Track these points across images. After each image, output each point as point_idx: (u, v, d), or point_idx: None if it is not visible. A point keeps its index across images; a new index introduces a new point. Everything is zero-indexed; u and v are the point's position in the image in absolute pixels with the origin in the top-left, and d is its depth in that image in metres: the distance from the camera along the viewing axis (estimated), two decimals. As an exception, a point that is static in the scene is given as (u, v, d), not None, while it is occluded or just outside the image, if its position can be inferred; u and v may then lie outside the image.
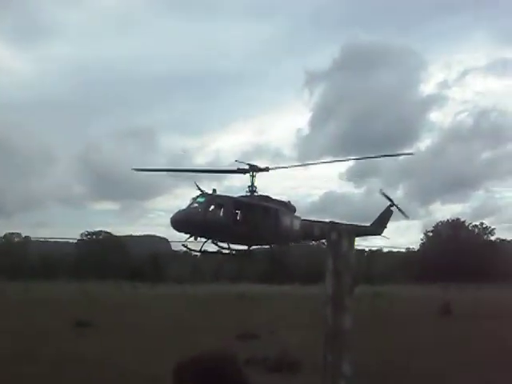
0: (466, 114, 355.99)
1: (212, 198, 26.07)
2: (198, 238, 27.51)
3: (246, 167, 26.01)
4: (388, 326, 25.15)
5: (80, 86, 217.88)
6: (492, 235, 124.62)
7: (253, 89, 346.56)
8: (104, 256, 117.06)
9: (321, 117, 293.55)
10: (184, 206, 27.33)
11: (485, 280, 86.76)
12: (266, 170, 26.14)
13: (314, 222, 27.59)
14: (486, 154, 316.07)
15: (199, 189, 26.05)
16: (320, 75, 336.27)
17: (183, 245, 26.76)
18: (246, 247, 28.04)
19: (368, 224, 30.38)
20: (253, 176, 26.11)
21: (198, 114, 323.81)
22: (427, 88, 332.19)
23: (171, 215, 26.52)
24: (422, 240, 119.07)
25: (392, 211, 28.42)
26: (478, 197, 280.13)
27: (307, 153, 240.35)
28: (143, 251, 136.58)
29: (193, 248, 26.72)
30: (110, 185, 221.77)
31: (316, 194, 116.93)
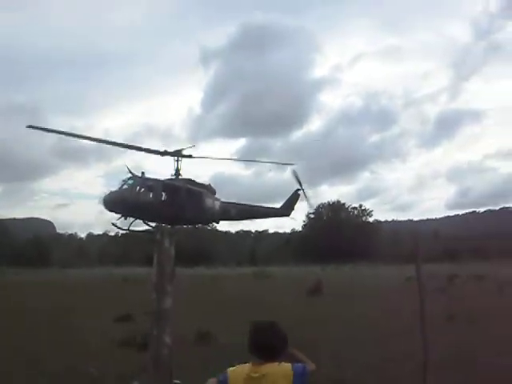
0: (355, 96, 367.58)
1: (142, 181, 27.43)
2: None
3: (172, 151, 27.45)
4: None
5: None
6: (370, 217, 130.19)
7: (144, 68, 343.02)
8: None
9: (213, 96, 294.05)
10: (113, 188, 28.21)
11: (361, 259, 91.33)
12: (190, 156, 27.53)
13: (232, 203, 29.40)
14: (373, 137, 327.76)
15: (130, 171, 27.35)
16: (214, 54, 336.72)
17: (113, 223, 27.79)
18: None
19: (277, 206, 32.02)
20: (177, 160, 27.47)
21: (85, 94, 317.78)
22: (320, 70, 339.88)
23: (103, 196, 27.75)
24: (303, 222, 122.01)
25: (299, 195, 30.03)
26: (363, 178, 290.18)
27: (198, 133, 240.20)
28: (27, 235, 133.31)
29: (120, 226, 27.81)
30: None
31: (205, 175, 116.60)
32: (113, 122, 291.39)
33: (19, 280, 56.32)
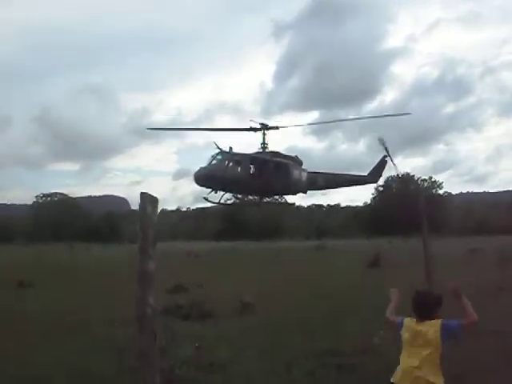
0: (429, 67, 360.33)
1: (230, 156, 28.41)
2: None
3: (258, 126, 28.18)
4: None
5: (30, 49, 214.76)
6: (440, 189, 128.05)
7: (214, 44, 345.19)
8: (59, 218, 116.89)
9: (285, 70, 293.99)
10: (203, 164, 29.03)
11: (430, 231, 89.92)
12: (277, 128, 28.32)
13: (319, 173, 30.05)
14: (448, 108, 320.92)
15: (218, 147, 28.30)
16: (286, 26, 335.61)
17: (204, 198, 28.93)
18: (258, 198, 30.59)
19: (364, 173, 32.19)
20: (264, 134, 28.32)
21: (156, 72, 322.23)
22: (394, 40, 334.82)
23: (194, 172, 28.73)
24: (372, 195, 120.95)
25: (386, 161, 30.24)
26: (439, 150, 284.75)
27: (270, 107, 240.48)
28: (101, 212, 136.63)
29: (211, 200, 28.93)
30: (67, 145, 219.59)
31: (278, 149, 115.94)
32: (185, 99, 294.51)
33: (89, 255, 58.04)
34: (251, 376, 10.53)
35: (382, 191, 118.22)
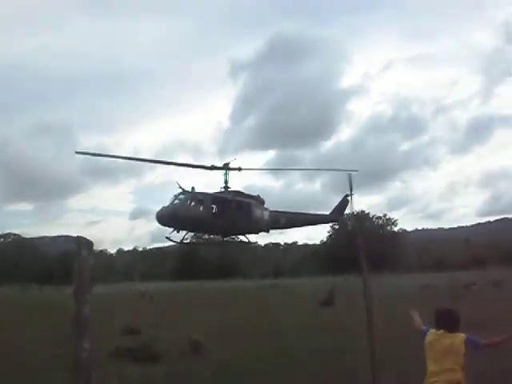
0: (384, 105, 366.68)
1: (192, 195, 28.40)
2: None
3: (221, 165, 28.33)
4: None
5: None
6: (395, 226, 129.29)
7: (171, 84, 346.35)
8: (12, 259, 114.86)
9: (242, 109, 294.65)
10: (165, 203, 29.04)
11: (386, 269, 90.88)
12: (239, 169, 28.41)
13: (281, 212, 30.12)
14: (404, 145, 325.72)
15: (180, 187, 28.26)
16: (242, 66, 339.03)
17: (166, 237, 28.77)
18: (220, 237, 30.63)
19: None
20: (226, 174, 28.38)
21: (112, 112, 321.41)
22: (349, 80, 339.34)
23: (157, 211, 28.66)
24: (328, 232, 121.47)
25: (348, 200, 30.55)
26: (394, 188, 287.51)
27: (227, 146, 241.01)
28: (56, 253, 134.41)
29: (174, 240, 28.81)
30: (22, 184, 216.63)
31: (236, 187, 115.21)
32: (142, 139, 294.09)
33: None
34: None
35: (338, 229, 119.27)
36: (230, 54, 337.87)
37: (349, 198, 30.45)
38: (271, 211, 29.59)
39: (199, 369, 15.74)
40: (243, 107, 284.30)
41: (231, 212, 27.95)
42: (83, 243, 6.13)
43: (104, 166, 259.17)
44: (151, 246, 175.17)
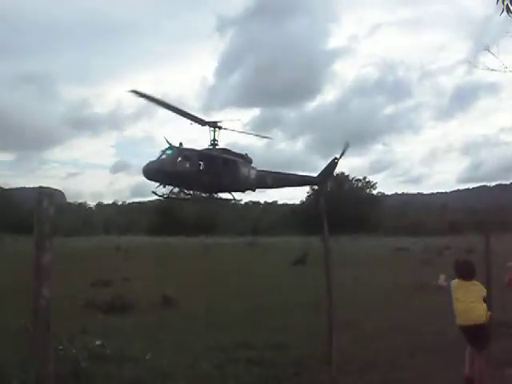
0: (370, 68, 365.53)
1: (179, 151, 28.43)
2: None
3: (211, 121, 28.31)
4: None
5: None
6: (374, 189, 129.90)
7: (157, 36, 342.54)
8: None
9: (227, 66, 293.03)
10: (153, 158, 29.02)
11: (363, 231, 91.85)
12: (226, 129, 28.45)
13: (268, 172, 30.13)
14: (388, 109, 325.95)
15: (168, 142, 28.25)
16: (229, 22, 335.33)
17: (153, 191, 28.83)
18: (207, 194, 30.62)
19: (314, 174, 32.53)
20: (215, 131, 28.35)
21: (96, 64, 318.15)
22: (336, 40, 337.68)
23: (143, 165, 28.62)
24: (307, 193, 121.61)
25: (337, 163, 30.57)
26: (376, 151, 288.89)
27: (211, 102, 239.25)
28: (33, 204, 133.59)
29: (160, 194, 28.81)
30: (2, 134, 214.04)
31: (219, 145, 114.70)
32: (125, 92, 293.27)
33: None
34: (161, 368, 10.71)
35: (317, 190, 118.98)
36: (217, 8, 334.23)
37: (337, 161, 30.64)
38: (258, 170, 29.68)
39: (168, 320, 15.97)
40: (229, 64, 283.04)
41: (218, 169, 28.03)
42: (45, 193, 6.20)
43: (86, 117, 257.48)
44: (131, 201, 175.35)
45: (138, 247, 53.47)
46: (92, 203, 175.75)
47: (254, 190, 30.46)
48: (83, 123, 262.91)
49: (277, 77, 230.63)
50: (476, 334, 9.45)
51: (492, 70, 11.39)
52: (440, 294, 19.51)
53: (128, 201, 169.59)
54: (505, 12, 14.09)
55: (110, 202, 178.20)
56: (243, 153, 30.22)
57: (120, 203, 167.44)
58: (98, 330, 13.52)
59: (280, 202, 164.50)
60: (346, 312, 15.46)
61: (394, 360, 11.24)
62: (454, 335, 12.26)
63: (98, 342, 11.78)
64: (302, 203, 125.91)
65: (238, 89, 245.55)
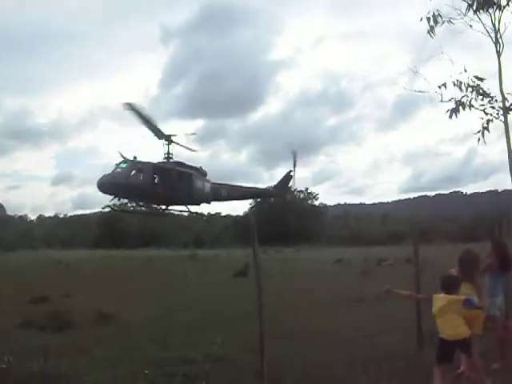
0: (314, 79, 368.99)
1: (133, 164, 28.28)
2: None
3: (166, 135, 28.15)
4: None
5: None
6: (316, 200, 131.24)
7: (100, 46, 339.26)
8: None
9: (171, 77, 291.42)
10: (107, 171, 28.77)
11: (306, 242, 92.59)
12: (179, 144, 28.34)
13: (223, 184, 30.12)
14: (331, 120, 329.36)
15: (122, 156, 28.00)
16: (173, 32, 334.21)
17: (107, 205, 28.55)
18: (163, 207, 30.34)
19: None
20: (168, 144, 28.20)
21: (38, 75, 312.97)
22: (280, 52, 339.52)
23: (98, 179, 28.29)
24: (250, 204, 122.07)
25: (291, 176, 30.78)
26: (319, 162, 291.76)
27: (155, 113, 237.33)
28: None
29: (114, 207, 28.53)
30: None
31: (160, 158, 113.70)
32: (67, 103, 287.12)
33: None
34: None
35: (260, 201, 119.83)
36: (161, 19, 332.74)
37: (292, 173, 30.99)
38: (213, 183, 29.76)
39: (107, 336, 15.96)
40: (172, 74, 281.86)
41: (172, 182, 28.01)
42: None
43: (27, 128, 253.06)
44: (73, 213, 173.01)
45: (79, 261, 52.81)
46: (33, 216, 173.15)
47: (209, 203, 30.62)
48: (24, 134, 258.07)
49: (221, 88, 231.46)
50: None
51: (419, 91, 11.80)
52: (379, 306, 20.09)
53: (70, 213, 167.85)
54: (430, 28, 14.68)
55: (52, 214, 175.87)
56: (198, 166, 30.32)
57: (62, 216, 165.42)
58: (36, 349, 13.44)
59: (224, 214, 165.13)
60: (283, 323, 15.83)
61: (329, 372, 11.42)
62: (389, 348, 12.72)
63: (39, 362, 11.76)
64: (246, 214, 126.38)
65: (182, 100, 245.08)
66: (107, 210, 31.23)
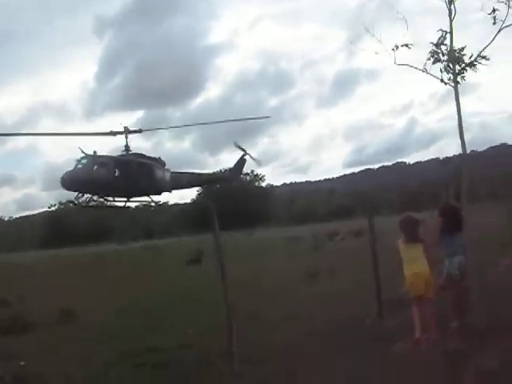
0: (252, 61, 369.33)
1: (94, 159, 28.06)
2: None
3: (122, 130, 28.06)
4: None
5: None
6: (262, 181, 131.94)
7: (34, 42, 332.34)
8: None
9: (107, 69, 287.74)
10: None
11: (256, 224, 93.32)
12: (139, 131, 28.30)
13: (182, 173, 30.36)
14: (272, 101, 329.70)
15: (82, 151, 27.88)
16: (108, 23, 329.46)
17: (70, 201, 28.42)
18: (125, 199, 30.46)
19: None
20: (126, 137, 28.25)
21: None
22: (217, 36, 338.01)
23: (61, 176, 28.10)
24: (197, 191, 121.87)
25: (245, 159, 30.95)
26: (263, 143, 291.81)
27: (94, 107, 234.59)
28: None
29: (78, 203, 28.40)
30: None
31: (104, 151, 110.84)
32: (3, 102, 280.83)
33: None
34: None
35: (207, 187, 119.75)
36: (94, 10, 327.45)
37: (246, 157, 31.38)
38: (172, 172, 30.19)
39: (70, 334, 16.02)
40: (109, 66, 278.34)
41: (134, 174, 28.29)
42: None
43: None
44: (18, 215, 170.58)
45: (30, 262, 52.29)
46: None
47: (171, 191, 30.99)
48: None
49: (159, 77, 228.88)
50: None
51: (376, 53, 11.98)
52: (332, 280, 20.58)
53: (14, 216, 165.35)
54: None
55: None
56: (156, 156, 30.75)
57: (6, 218, 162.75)
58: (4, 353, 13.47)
59: (171, 203, 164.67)
60: (245, 304, 16.13)
61: (294, 347, 11.73)
62: (350, 319, 13.14)
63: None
64: (193, 202, 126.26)
65: (121, 91, 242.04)
66: (71, 205, 31.23)
